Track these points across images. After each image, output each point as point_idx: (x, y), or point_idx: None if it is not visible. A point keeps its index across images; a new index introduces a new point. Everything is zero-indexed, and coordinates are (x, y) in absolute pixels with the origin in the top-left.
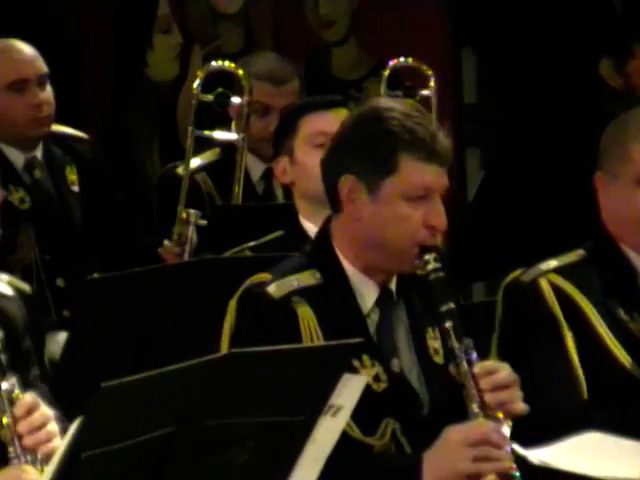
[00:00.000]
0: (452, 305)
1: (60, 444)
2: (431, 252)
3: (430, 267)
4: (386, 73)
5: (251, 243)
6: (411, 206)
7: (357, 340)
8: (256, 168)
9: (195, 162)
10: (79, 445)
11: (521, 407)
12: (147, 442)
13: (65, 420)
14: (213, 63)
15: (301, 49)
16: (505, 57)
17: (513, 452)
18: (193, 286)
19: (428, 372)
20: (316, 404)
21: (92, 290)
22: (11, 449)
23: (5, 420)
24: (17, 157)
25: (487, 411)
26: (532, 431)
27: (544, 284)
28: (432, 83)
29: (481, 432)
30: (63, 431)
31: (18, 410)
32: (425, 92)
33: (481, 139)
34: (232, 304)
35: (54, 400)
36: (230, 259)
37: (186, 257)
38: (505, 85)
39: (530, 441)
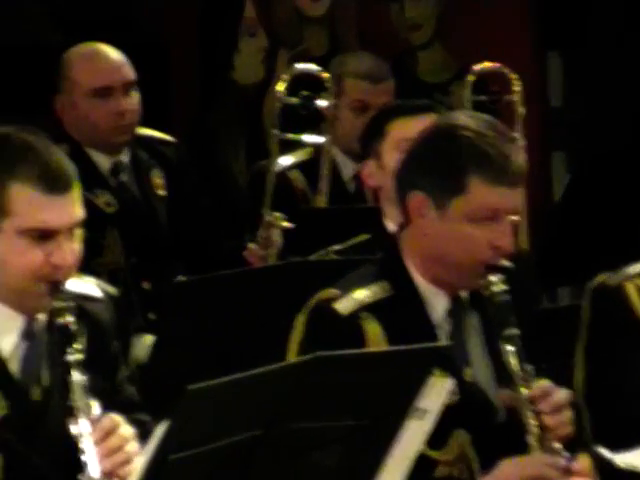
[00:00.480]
0: (515, 331)
1: (147, 448)
2: (497, 273)
3: (495, 289)
4: (471, 78)
5: (336, 246)
6: (478, 226)
7: (446, 344)
8: (347, 167)
9: (287, 160)
10: (166, 448)
11: (569, 430)
12: (233, 445)
13: (151, 422)
14: (298, 66)
15: (386, 52)
16: (591, 59)
17: (597, 458)
18: (278, 289)
19: (503, 382)
20: (402, 407)
21: (178, 293)
22: (88, 472)
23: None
24: (103, 161)
25: (544, 440)
26: (615, 437)
27: (630, 288)
28: (517, 87)
29: (536, 468)
30: (147, 434)
31: (96, 433)
32: (510, 96)
33: (567, 143)
34: (300, 319)
35: (141, 402)
36: (316, 262)
37: (271, 260)
38: (591, 88)
39: (613, 446)
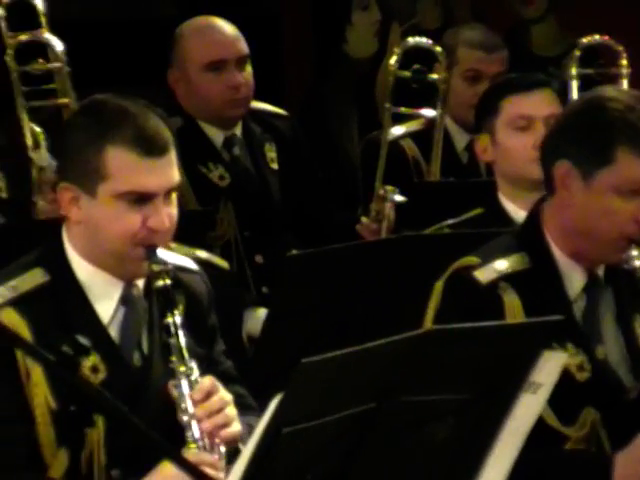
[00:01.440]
0: None
1: (260, 420)
2: None
3: (637, 263)
4: (577, 52)
5: (450, 221)
6: (623, 199)
7: (558, 317)
8: (460, 138)
9: (399, 130)
10: (280, 420)
11: None
12: (347, 418)
13: (248, 396)
14: (410, 39)
15: (499, 26)
16: None
17: None
18: (391, 263)
19: (636, 359)
20: (516, 381)
21: (291, 267)
22: (189, 433)
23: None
24: (217, 135)
25: None
26: None
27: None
28: (624, 60)
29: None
30: (244, 408)
31: (196, 394)
32: (617, 69)
33: None
34: (438, 286)
35: (238, 376)
36: (429, 236)
37: (383, 234)
38: None
39: None
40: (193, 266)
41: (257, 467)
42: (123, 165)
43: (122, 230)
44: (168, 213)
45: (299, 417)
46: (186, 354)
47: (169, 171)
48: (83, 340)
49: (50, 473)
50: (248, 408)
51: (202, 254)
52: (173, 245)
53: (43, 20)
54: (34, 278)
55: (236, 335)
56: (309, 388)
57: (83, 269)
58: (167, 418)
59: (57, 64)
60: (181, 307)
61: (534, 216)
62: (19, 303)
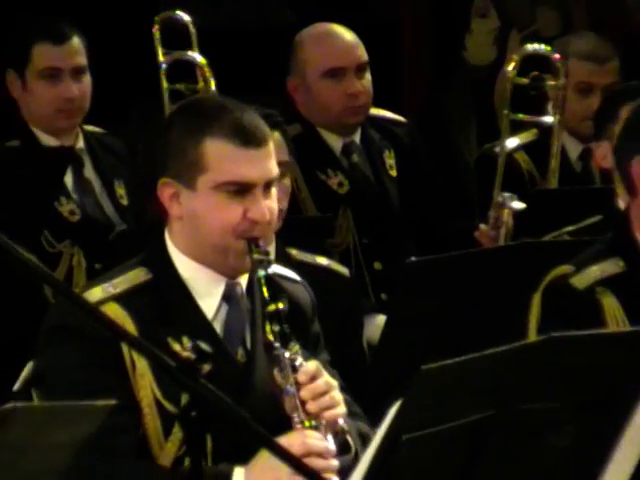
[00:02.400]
0: None
1: (379, 427)
2: None
3: None
4: None
5: (569, 227)
6: None
7: None
8: (574, 148)
9: (513, 142)
10: (399, 427)
11: None
12: (465, 425)
13: (353, 403)
14: (528, 46)
15: (618, 33)
16: None
17: None
18: (511, 270)
19: None
20: (634, 388)
21: (409, 273)
22: (295, 415)
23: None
24: (335, 141)
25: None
26: None
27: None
28: None
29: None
30: (353, 414)
31: (301, 377)
32: None
33: None
34: (536, 298)
35: (342, 385)
36: (549, 243)
37: (501, 241)
38: None
39: None
40: (296, 277)
41: (376, 474)
42: (222, 156)
43: (223, 222)
44: (268, 206)
45: (418, 424)
46: (287, 341)
47: (267, 163)
48: (205, 346)
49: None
50: (355, 415)
51: (322, 260)
52: (294, 252)
53: (194, 40)
54: (137, 276)
55: (356, 341)
56: (428, 395)
57: (186, 266)
58: (271, 413)
59: (204, 85)
60: (285, 302)
61: (623, 219)
62: (122, 298)
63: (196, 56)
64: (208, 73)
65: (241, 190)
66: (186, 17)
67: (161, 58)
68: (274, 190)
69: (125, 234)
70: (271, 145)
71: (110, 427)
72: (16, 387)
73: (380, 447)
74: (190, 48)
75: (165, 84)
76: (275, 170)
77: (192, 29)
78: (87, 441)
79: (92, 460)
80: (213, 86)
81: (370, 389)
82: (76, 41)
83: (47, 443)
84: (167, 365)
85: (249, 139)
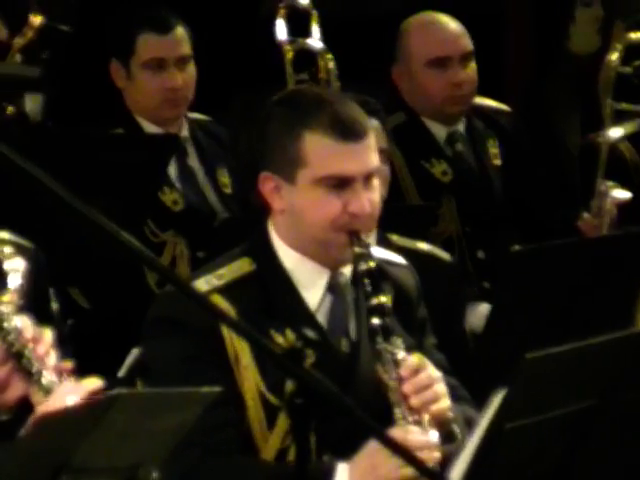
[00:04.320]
0: None
1: (484, 414)
2: None
3: None
4: None
5: None
6: None
7: None
8: None
9: (616, 132)
10: (503, 416)
11: None
12: (569, 414)
13: (459, 386)
14: (632, 35)
15: None
16: None
17: None
18: (614, 259)
19: None
20: None
21: (512, 262)
22: (397, 410)
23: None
24: (439, 130)
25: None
26: None
27: None
28: None
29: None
30: (459, 398)
31: (404, 371)
32: None
33: None
34: None
35: (450, 369)
36: None
37: (604, 230)
38: None
39: None
40: (401, 260)
41: (480, 462)
42: (321, 150)
43: (323, 216)
44: (369, 198)
45: (522, 413)
46: (389, 335)
47: (367, 155)
48: (310, 333)
49: (261, 456)
50: (461, 399)
51: (423, 246)
52: (395, 237)
53: (316, 30)
54: (241, 267)
55: (458, 327)
56: (532, 383)
57: (289, 258)
58: (375, 404)
59: (326, 76)
60: (389, 297)
61: None
62: (226, 290)
63: (318, 44)
64: (330, 62)
65: (341, 184)
66: (305, 2)
67: (286, 47)
68: (375, 182)
69: (228, 222)
70: (371, 137)
71: (214, 421)
72: (120, 373)
73: (484, 436)
74: (308, 36)
75: (290, 72)
76: (375, 162)
77: (314, 15)
78: (192, 433)
79: (197, 454)
80: (334, 75)
81: (473, 377)
82: (180, 31)
83: (151, 429)
84: (273, 352)
85: (348, 133)
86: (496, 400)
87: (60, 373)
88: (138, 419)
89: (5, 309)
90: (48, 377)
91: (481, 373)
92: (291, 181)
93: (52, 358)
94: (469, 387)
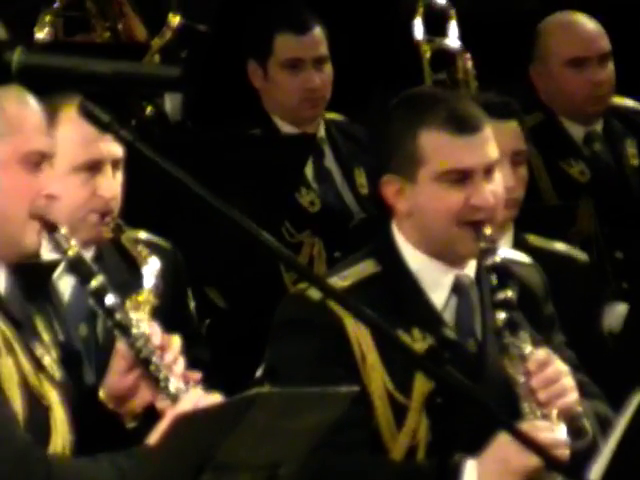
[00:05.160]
0: None
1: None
2: None
3: None
4: None
5: None
6: None
7: None
8: None
9: None
10: None
11: None
12: None
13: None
14: None
15: None
16: None
17: None
18: None
19: None
20: None
21: None
22: (525, 404)
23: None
24: (577, 130)
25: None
26: None
27: None
28: None
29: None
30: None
31: (531, 365)
32: None
33: None
34: None
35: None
36: None
37: None
38: None
39: None
40: (526, 259)
41: (620, 462)
42: (438, 146)
43: (446, 211)
44: (491, 190)
45: None
46: (519, 328)
47: (485, 147)
48: (449, 333)
49: (390, 455)
50: (591, 395)
51: (560, 246)
52: (532, 238)
53: (454, 30)
54: (366, 268)
55: (595, 327)
56: None
57: (415, 259)
58: (504, 403)
59: (464, 76)
60: (514, 294)
61: None
62: (351, 291)
63: (456, 44)
64: (468, 62)
65: (461, 178)
66: (444, 1)
67: (424, 47)
68: (497, 174)
69: (365, 223)
70: (487, 130)
71: (344, 421)
72: (258, 374)
73: (623, 436)
74: (446, 35)
75: (428, 71)
76: (494, 154)
77: (453, 15)
78: (325, 433)
79: (328, 453)
80: (472, 75)
81: (612, 377)
82: (318, 31)
83: (291, 428)
84: (414, 353)
85: (463, 126)
86: (635, 400)
87: (187, 381)
88: (278, 418)
89: (134, 315)
90: (175, 384)
91: (619, 373)
92: (413, 180)
93: (180, 365)
94: (607, 387)
